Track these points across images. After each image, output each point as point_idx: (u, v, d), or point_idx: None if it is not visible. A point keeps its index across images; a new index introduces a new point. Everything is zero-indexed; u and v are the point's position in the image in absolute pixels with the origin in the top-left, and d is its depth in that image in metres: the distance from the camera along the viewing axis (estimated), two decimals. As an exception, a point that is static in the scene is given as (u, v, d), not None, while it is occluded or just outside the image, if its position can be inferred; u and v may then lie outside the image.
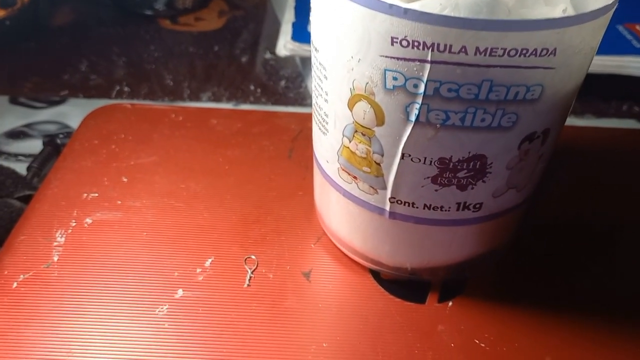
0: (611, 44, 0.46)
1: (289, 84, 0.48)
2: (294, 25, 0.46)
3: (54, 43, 0.53)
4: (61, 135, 0.39)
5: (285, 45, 0.44)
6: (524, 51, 0.19)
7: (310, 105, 0.46)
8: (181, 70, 0.49)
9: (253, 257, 0.29)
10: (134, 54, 0.51)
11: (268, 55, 0.51)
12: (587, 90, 0.46)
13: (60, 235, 0.30)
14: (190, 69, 0.49)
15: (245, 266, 0.28)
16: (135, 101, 0.45)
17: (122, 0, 0.58)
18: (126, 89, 0.47)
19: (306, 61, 0.48)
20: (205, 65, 0.50)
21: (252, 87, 0.47)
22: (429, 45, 0.19)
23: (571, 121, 0.45)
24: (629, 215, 0.33)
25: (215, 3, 0.61)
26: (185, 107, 0.39)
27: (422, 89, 0.20)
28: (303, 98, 0.46)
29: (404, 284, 0.28)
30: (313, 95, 0.26)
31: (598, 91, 0.47)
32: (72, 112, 0.44)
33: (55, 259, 0.28)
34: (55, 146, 0.39)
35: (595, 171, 0.36)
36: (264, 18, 0.58)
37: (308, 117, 0.38)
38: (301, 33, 0.45)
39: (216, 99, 0.46)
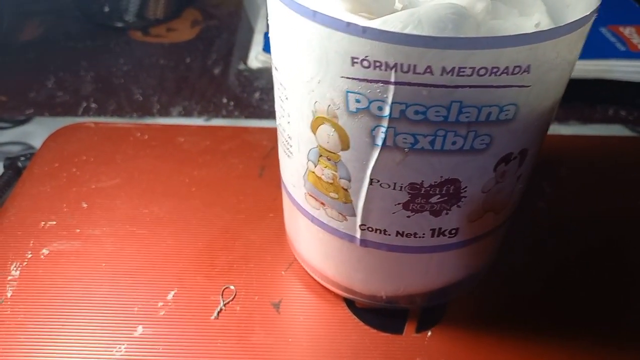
0: (595, 47, 0.44)
1: (264, 95, 0.46)
2: (265, 35, 0.44)
3: (20, 59, 0.51)
4: (22, 158, 0.37)
5: (257, 57, 0.43)
6: (495, 69, 0.17)
7: (285, 117, 0.44)
8: (151, 83, 0.47)
9: (232, 287, 0.27)
10: (103, 68, 0.50)
11: (242, 67, 0.50)
12: (571, 96, 0.45)
13: (15, 269, 0.28)
14: (160, 83, 0.48)
15: (220, 297, 0.26)
16: (102, 118, 0.43)
17: (92, 13, 0.56)
18: (93, 105, 0.45)
19: (281, 72, 0.46)
20: (176, 78, 0.48)
21: (224, 100, 0.46)
22: (391, 65, 0.17)
23: (555, 128, 0.43)
24: (619, 227, 0.31)
25: (188, 12, 0.59)
26: (150, 125, 0.38)
27: (387, 111, 0.19)
28: (278, 110, 0.45)
29: (380, 313, 0.26)
30: (277, 115, 0.24)
31: (582, 96, 0.46)
32: (37, 132, 0.42)
33: (9, 294, 0.27)
34: (16, 169, 0.37)
35: (582, 182, 0.34)
36: (238, 27, 0.57)
37: (281, 133, 0.37)
38: (273, 44, 0.43)
39: (187, 113, 0.44)
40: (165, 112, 0.44)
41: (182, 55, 0.51)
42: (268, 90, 0.47)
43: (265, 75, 0.48)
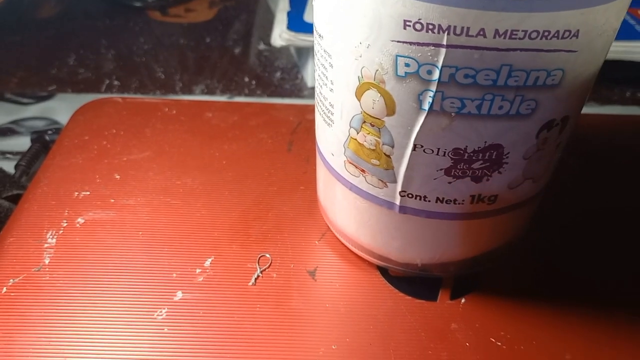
0: (614, 29, 0.45)
1: (285, 75, 0.47)
2: (289, 14, 0.45)
3: (40, 36, 0.51)
4: (50, 132, 0.37)
5: (281, 35, 0.43)
6: (546, 33, 0.18)
7: (307, 96, 0.44)
8: (172, 62, 0.48)
9: (268, 255, 0.27)
10: (123, 46, 0.50)
11: (262, 46, 0.50)
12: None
13: (51, 237, 0.28)
14: (181, 61, 0.48)
15: (256, 265, 0.27)
16: (125, 95, 0.44)
17: (110, -8, 0.56)
18: (116, 82, 0.45)
19: (302, 51, 0.47)
20: (197, 57, 0.49)
21: (246, 79, 0.46)
22: (444, 28, 0.18)
23: (574, 109, 0.44)
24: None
25: (205, -7, 0.59)
26: (178, 100, 0.38)
27: (436, 75, 0.19)
28: (300, 89, 0.45)
29: (413, 281, 0.27)
30: (316, 84, 0.24)
31: (601, 78, 0.46)
32: (61, 108, 0.43)
33: (47, 261, 0.27)
34: (43, 143, 0.37)
35: (605, 159, 0.35)
36: (255, 8, 0.57)
37: (307, 109, 0.37)
38: (297, 22, 0.43)
39: (210, 91, 0.45)
40: (188, 90, 0.45)
41: (202, 35, 0.52)
42: (289, 69, 0.47)
43: (285, 55, 0.49)
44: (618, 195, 0.32)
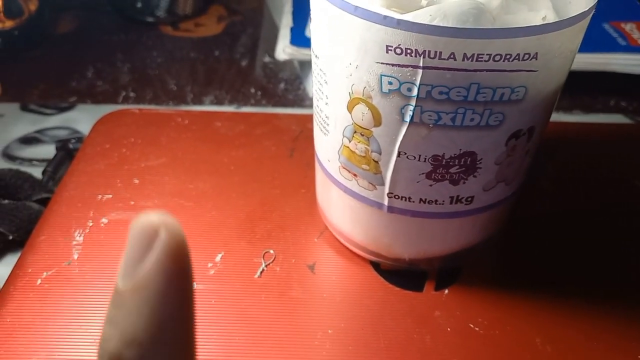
0: (597, 42, 0.48)
1: (288, 86, 0.50)
2: (292, 30, 0.48)
3: (59, 50, 0.55)
4: (73, 140, 0.41)
5: (284, 50, 0.46)
6: (508, 56, 0.21)
7: (309, 106, 0.48)
8: (183, 75, 0.51)
9: (272, 251, 0.30)
10: (138, 60, 0.53)
11: (267, 59, 0.53)
12: (575, 87, 0.48)
13: (78, 235, 0.31)
14: (192, 74, 0.51)
15: (261, 260, 0.30)
16: (141, 106, 0.47)
17: (124, 8, 0.60)
18: (132, 94, 0.48)
19: (304, 64, 0.50)
20: (207, 69, 0.52)
21: (252, 90, 0.49)
22: (420, 52, 0.21)
23: (560, 117, 0.47)
24: (615, 205, 0.35)
25: (214, 9, 0.62)
26: (189, 111, 0.41)
27: (415, 92, 0.22)
28: (302, 99, 0.48)
29: (402, 274, 0.30)
30: (314, 98, 0.28)
31: (586, 87, 0.49)
32: (81, 118, 0.46)
33: (75, 256, 0.30)
34: (67, 151, 0.40)
35: (585, 164, 0.38)
36: (261, 22, 0.60)
37: (308, 118, 0.40)
38: (299, 37, 0.47)
39: (218, 102, 0.48)
40: (198, 101, 0.48)
41: (210, 49, 0.55)
42: (292, 80, 0.50)
43: (289, 67, 0.52)
44: (594, 197, 0.35)
